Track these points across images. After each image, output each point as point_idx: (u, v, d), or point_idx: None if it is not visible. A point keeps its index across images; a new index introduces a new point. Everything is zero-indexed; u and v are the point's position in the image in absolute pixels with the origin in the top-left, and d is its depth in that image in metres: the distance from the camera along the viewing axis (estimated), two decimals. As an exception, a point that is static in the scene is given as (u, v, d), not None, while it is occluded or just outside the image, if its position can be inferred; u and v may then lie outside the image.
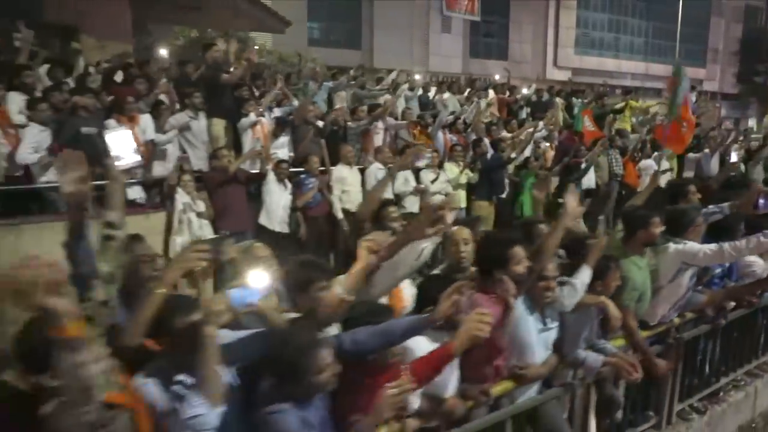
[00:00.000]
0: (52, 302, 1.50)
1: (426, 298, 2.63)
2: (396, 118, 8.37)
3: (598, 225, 8.30)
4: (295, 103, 7.44)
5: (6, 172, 4.99)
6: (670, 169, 9.75)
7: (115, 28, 8.03)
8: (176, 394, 2.01)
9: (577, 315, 3.16)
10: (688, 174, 10.34)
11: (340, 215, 6.43)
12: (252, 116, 6.29)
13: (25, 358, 1.83)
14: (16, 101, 5.29)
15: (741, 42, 38.39)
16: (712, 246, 3.61)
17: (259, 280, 2.16)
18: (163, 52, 8.29)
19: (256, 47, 12.22)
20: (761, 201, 5.10)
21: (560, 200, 3.31)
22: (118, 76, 6.85)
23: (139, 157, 5.48)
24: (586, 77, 31.17)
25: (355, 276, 2.42)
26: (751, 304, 4.44)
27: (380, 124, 7.64)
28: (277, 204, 6.04)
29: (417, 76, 10.99)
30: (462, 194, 7.63)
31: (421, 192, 7.06)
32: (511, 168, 8.32)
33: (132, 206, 5.66)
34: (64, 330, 1.51)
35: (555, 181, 7.83)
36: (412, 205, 7.06)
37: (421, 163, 6.96)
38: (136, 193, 5.65)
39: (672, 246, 3.71)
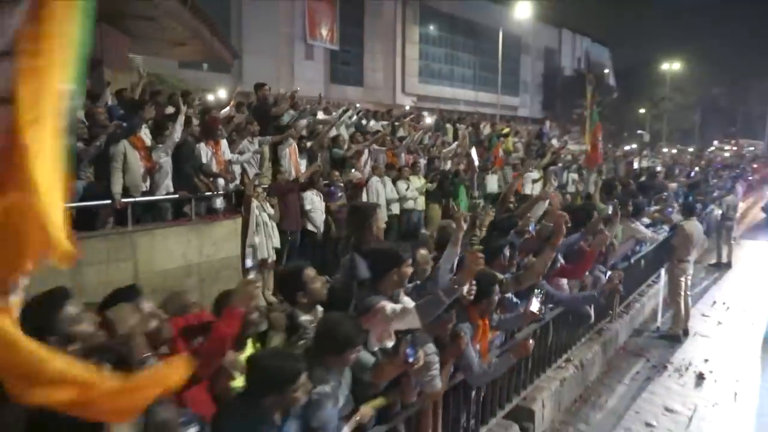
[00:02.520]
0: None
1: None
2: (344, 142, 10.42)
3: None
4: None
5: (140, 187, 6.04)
6: (540, 179, 13.24)
7: (121, 61, 8.79)
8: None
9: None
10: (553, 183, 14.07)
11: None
12: (290, 140, 7.89)
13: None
14: (144, 130, 6.28)
15: (543, 76, 47.20)
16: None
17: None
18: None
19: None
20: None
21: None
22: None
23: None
24: (428, 103, 35.84)
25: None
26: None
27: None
28: (316, 210, 7.73)
29: (357, 105, 13.19)
30: (422, 199, 9.99)
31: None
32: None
33: (213, 214, 6.99)
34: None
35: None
36: (395, 208, 9.30)
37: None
38: (219, 203, 6.94)
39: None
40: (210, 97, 9.13)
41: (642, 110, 50.07)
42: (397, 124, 13.22)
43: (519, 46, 43.13)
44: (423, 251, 3.49)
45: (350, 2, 32.02)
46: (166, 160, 6.11)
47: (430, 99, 36.29)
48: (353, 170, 8.87)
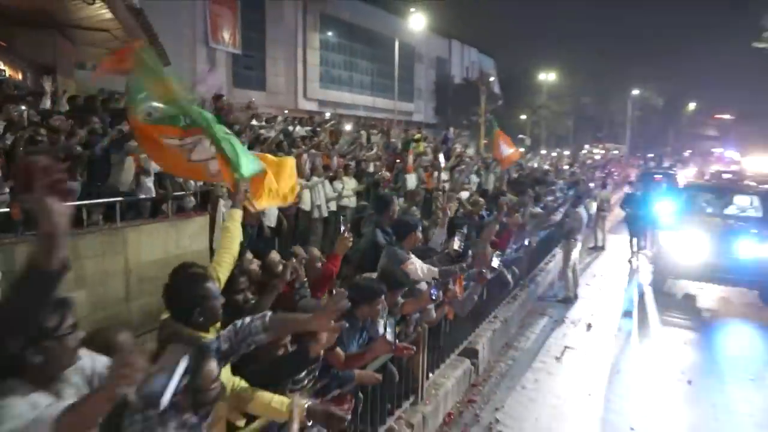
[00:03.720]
0: None
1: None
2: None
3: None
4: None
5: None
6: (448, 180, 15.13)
7: (70, 68, 9.14)
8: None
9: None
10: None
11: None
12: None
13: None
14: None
15: (435, 84, 50.38)
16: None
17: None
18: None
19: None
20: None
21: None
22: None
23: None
24: (330, 108, 37.22)
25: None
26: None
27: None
28: (273, 208, 8.79)
29: (286, 111, 14.22)
30: (355, 198, 11.32)
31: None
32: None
33: (184, 212, 7.82)
34: None
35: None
36: (333, 206, 10.55)
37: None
38: (190, 202, 7.75)
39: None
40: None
41: (523, 117, 54.94)
42: (318, 129, 14.48)
43: (413, 55, 45.76)
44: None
45: (251, 7, 32.48)
46: (151, 164, 6.94)
47: (330, 104, 37.65)
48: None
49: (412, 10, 37.83)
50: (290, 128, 13.71)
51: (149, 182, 7.05)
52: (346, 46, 40.04)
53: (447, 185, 13.84)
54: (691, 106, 76.48)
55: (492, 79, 57.04)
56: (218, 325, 2.61)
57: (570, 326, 7.71)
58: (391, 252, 4.05)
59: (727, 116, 76.16)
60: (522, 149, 18.10)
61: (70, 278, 6.20)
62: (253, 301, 3.24)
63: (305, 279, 3.56)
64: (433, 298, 3.81)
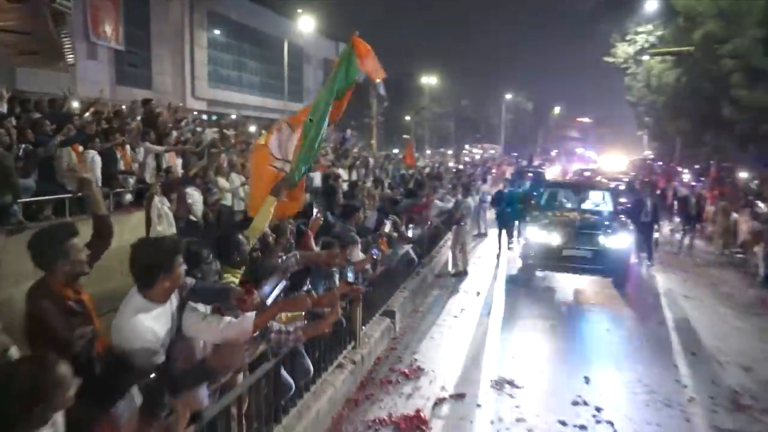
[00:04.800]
0: None
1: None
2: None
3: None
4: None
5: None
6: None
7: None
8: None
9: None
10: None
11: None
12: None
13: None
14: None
15: (323, 84, 51.62)
16: None
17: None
18: None
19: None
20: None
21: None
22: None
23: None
24: (219, 108, 37.26)
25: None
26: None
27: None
28: (196, 203, 9.64)
29: (195, 112, 14.82)
30: (267, 194, 12.44)
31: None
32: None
33: (123, 207, 8.52)
34: None
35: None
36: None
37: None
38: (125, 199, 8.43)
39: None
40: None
41: (407, 117, 57.99)
42: (225, 131, 15.32)
43: (302, 56, 46.75)
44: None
45: (135, 2, 31.73)
46: (96, 162, 7.68)
47: (220, 104, 37.60)
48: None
49: (300, 11, 38.96)
50: (198, 129, 14.44)
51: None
52: (235, 46, 40.12)
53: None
54: (557, 110, 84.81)
55: (378, 81, 59.62)
56: (243, 268, 3.84)
57: (463, 294, 9.53)
58: (342, 226, 5.43)
59: (587, 119, 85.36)
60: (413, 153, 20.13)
61: (29, 269, 6.84)
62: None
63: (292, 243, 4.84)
64: (375, 257, 5.25)
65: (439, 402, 5.54)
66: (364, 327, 6.43)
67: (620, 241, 9.73)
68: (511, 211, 12.90)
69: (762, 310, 9.20)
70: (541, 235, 10.10)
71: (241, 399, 3.64)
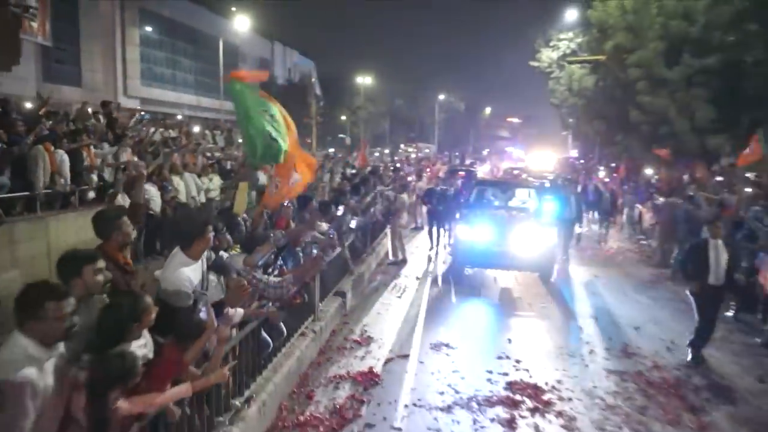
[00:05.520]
0: None
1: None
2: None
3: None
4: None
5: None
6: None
7: None
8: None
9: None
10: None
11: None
12: (127, 147, 10.20)
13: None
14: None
15: (259, 85, 51.69)
16: None
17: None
18: None
19: None
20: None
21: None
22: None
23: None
24: (153, 106, 36.87)
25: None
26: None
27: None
28: (153, 198, 10.27)
29: (142, 113, 15.22)
30: (218, 191, 13.12)
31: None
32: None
33: (86, 203, 9.08)
34: None
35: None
36: (203, 197, 12.31)
37: None
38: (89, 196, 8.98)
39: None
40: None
41: (343, 117, 58.85)
42: (171, 131, 15.82)
43: (237, 55, 46.65)
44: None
45: (62, -3, 30.98)
46: (65, 160, 8.27)
47: (153, 102, 37.19)
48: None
49: (234, 9, 39.06)
50: (143, 129, 14.91)
51: (63, 176, 8.36)
52: (168, 43, 39.72)
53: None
54: (488, 110, 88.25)
55: (314, 79, 60.15)
56: (238, 247, 4.80)
57: (404, 278, 10.73)
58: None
59: (516, 119, 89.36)
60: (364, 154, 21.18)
61: (6, 259, 7.43)
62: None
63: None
64: (331, 236, 6.32)
65: (387, 361, 6.66)
66: (321, 303, 7.44)
67: (545, 237, 10.12)
68: (442, 209, 13.03)
69: (656, 285, 10.90)
70: (470, 232, 10.32)
71: (235, 349, 4.59)
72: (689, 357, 6.91)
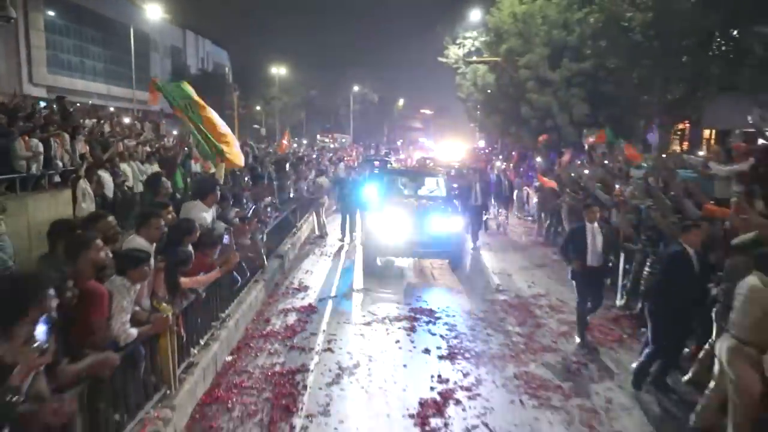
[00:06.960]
0: None
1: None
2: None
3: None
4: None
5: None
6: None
7: None
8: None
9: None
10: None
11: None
12: (82, 137, 11.66)
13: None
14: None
15: (171, 74, 51.74)
16: None
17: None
18: None
19: None
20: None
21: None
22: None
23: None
24: (61, 95, 36.40)
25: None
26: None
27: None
28: (106, 183, 11.86)
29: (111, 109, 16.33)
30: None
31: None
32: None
33: (54, 186, 10.57)
34: None
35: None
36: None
37: None
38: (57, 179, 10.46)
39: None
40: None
41: (258, 107, 59.63)
42: (102, 122, 17.10)
43: (148, 43, 46.55)
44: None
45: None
46: (39, 148, 9.82)
47: (61, 91, 36.65)
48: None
49: (144, -3, 39.22)
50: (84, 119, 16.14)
51: (37, 162, 9.92)
52: (76, 30, 39.29)
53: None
54: (401, 102, 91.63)
55: (227, 69, 60.49)
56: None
57: (326, 247, 13.05)
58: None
59: (428, 111, 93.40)
60: (285, 142, 22.99)
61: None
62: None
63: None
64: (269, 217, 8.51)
65: (321, 299, 8.95)
66: (267, 261, 9.58)
67: (454, 224, 10.54)
68: (354, 198, 13.37)
69: (529, 248, 13.86)
70: (380, 222, 10.54)
71: (218, 280, 6.71)
72: (577, 340, 7.46)
